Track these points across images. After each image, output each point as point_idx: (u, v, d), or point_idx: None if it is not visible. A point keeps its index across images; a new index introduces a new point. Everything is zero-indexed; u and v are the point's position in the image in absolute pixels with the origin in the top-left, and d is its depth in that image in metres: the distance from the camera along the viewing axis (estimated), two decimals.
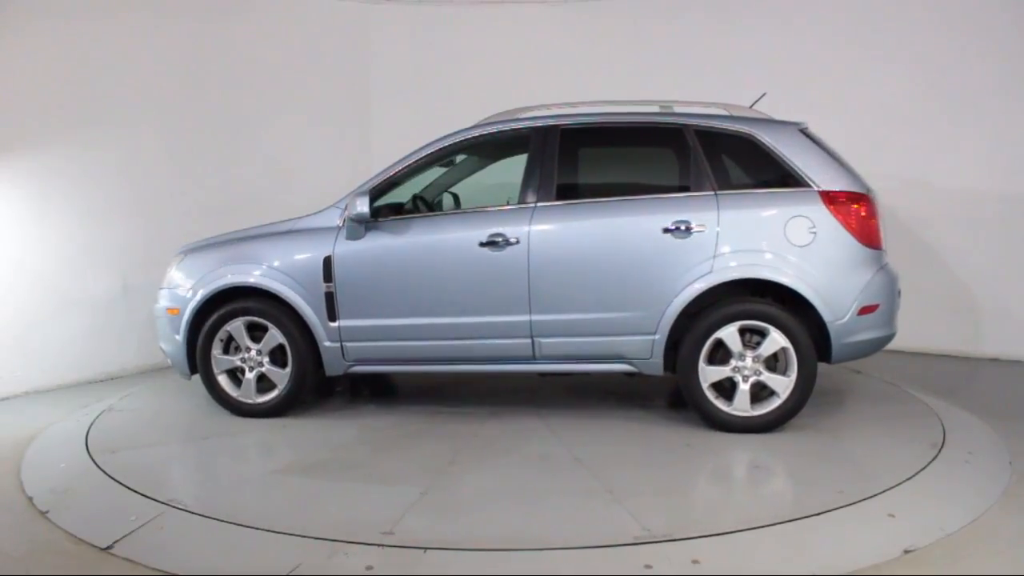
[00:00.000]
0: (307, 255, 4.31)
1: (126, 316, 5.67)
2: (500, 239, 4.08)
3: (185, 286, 4.44)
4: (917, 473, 3.32)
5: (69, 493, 3.36)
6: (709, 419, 3.98)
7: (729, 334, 3.91)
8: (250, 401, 4.41)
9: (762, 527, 2.82)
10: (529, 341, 4.12)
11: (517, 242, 4.07)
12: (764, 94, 4.52)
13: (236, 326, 4.36)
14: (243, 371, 4.42)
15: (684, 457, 3.68)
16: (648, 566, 2.58)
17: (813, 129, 4.22)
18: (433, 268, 4.18)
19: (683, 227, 3.94)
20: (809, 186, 3.93)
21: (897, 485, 3.19)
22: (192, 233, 6.00)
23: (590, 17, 6.83)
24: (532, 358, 4.16)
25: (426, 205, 4.73)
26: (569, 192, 4.20)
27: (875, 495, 3.08)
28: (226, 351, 4.43)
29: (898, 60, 5.94)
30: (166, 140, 5.86)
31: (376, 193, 4.26)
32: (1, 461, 3.81)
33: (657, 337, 3.99)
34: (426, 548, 2.71)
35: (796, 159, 3.99)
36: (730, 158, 4.16)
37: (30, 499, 3.31)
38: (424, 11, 7.10)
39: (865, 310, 3.88)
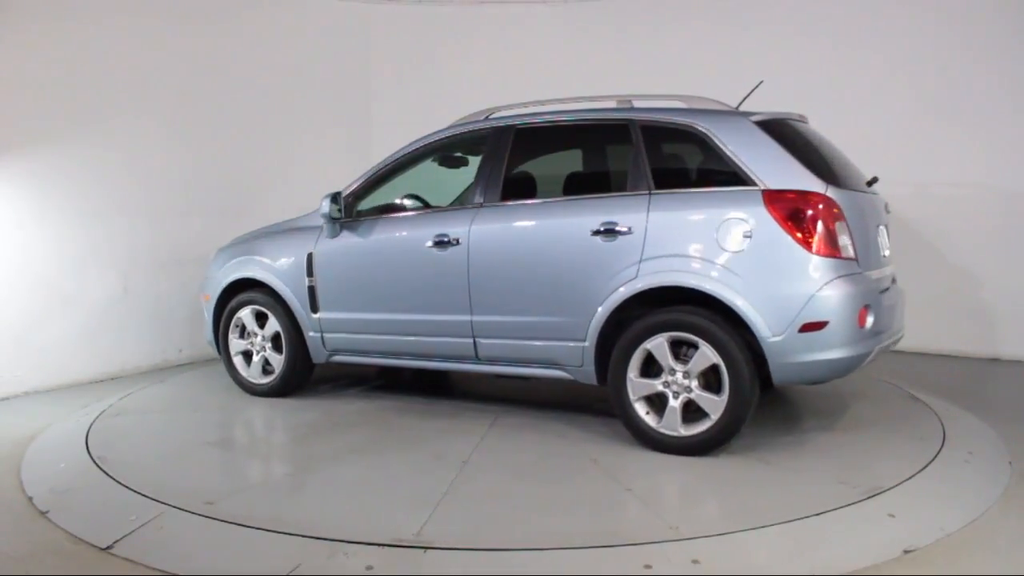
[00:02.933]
0: (296, 251, 4.67)
1: (126, 316, 5.68)
2: (444, 239, 4.14)
3: (212, 277, 5.03)
4: (917, 473, 3.32)
5: (69, 493, 3.36)
6: (638, 436, 3.70)
7: (657, 345, 3.59)
8: (255, 381, 4.88)
9: (762, 527, 2.82)
10: (471, 341, 4.15)
11: (458, 243, 4.10)
12: (761, 82, 4.24)
13: (246, 313, 4.86)
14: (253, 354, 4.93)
15: (572, 472, 3.45)
16: (648, 566, 2.57)
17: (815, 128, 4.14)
18: (390, 266, 4.37)
19: (611, 229, 3.71)
20: (754, 185, 3.52)
21: (897, 485, 3.18)
22: (192, 233, 6.04)
23: (590, 17, 6.83)
24: (476, 358, 4.18)
25: (426, 205, 4.75)
26: (515, 193, 4.16)
27: (875, 495, 3.08)
28: (243, 335, 4.92)
29: (901, 61, 5.94)
30: (167, 140, 5.86)
31: (356, 193, 4.53)
32: (1, 461, 3.81)
33: (587, 344, 3.80)
34: (426, 548, 2.71)
35: (744, 155, 3.58)
36: (675, 154, 3.94)
37: (30, 499, 3.31)
38: (424, 11, 7.11)
39: (809, 327, 3.37)
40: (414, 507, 3.07)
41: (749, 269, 3.44)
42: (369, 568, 2.60)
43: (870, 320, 3.51)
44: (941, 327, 5.87)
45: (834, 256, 3.42)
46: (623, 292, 3.66)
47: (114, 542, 2.84)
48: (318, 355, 4.68)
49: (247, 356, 4.90)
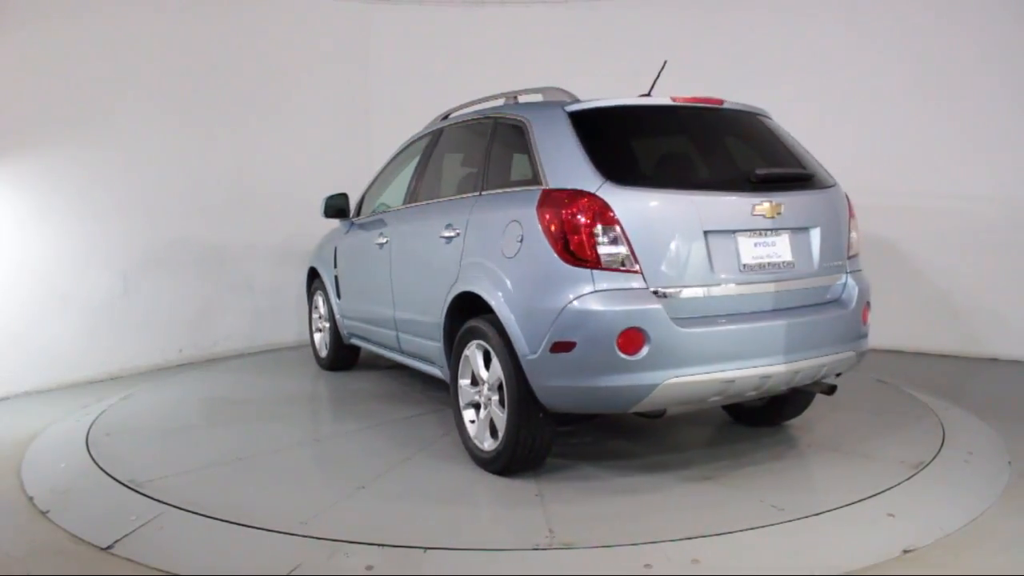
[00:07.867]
0: (331, 246, 5.36)
1: (126, 316, 5.68)
2: (381, 238, 4.48)
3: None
4: (916, 473, 3.32)
5: (69, 493, 3.37)
6: (464, 444, 3.56)
7: (471, 353, 3.44)
8: (320, 355, 5.71)
9: (762, 527, 2.82)
10: (395, 334, 4.40)
11: (387, 242, 4.43)
12: (665, 62, 3.81)
13: (315, 297, 5.72)
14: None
15: (363, 465, 3.54)
16: (648, 566, 2.57)
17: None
18: (362, 261, 4.82)
19: (449, 232, 3.66)
20: (540, 183, 3.18)
21: (897, 485, 3.19)
22: (192, 233, 6.04)
23: (590, 17, 6.83)
24: (400, 351, 4.42)
25: None
26: (424, 194, 4.31)
27: (875, 495, 3.08)
28: (319, 317, 5.73)
29: (898, 62, 5.94)
30: (167, 140, 5.86)
31: (363, 195, 5.08)
32: (1, 461, 3.81)
33: (440, 345, 3.80)
34: (426, 548, 2.71)
35: (543, 149, 3.24)
36: (509, 152, 3.71)
37: (30, 499, 3.32)
38: (424, 11, 7.11)
39: (558, 347, 2.95)
40: (180, 469, 3.52)
41: (517, 277, 3.15)
42: (369, 568, 2.60)
43: (646, 348, 2.88)
44: (940, 327, 5.87)
45: (592, 267, 2.93)
46: (451, 296, 3.60)
47: (114, 542, 2.84)
48: (344, 336, 5.31)
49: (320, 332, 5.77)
